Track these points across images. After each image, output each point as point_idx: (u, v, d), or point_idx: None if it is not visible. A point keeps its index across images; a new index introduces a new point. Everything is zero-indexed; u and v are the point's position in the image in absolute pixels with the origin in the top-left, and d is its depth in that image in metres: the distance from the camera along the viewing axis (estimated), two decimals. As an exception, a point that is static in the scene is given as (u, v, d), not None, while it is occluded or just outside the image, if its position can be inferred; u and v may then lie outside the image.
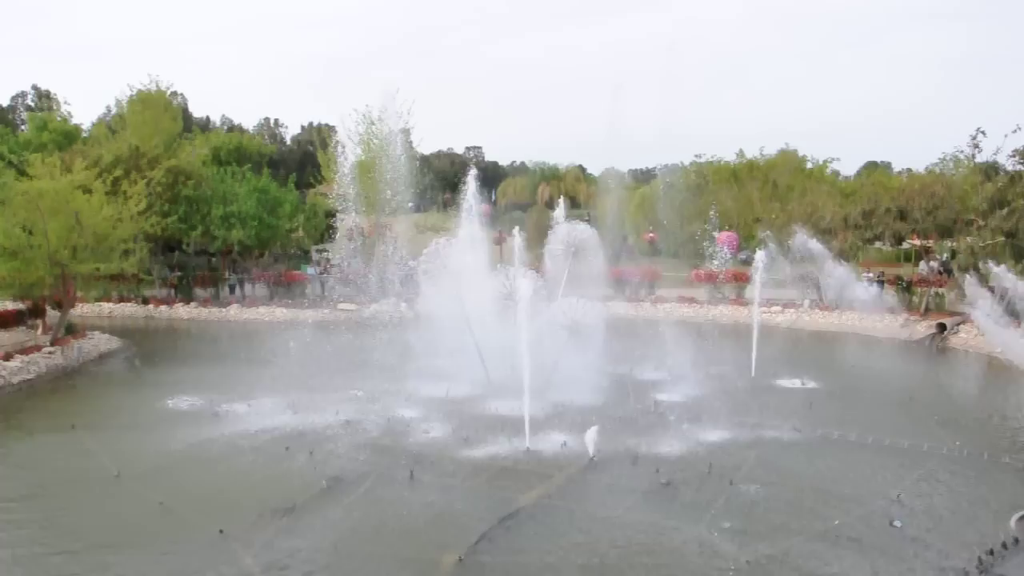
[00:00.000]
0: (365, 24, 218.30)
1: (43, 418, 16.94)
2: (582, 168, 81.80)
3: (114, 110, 58.31)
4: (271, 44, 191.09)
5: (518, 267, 17.57)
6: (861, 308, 26.99)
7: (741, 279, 34.07)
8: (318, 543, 9.81)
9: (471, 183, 22.39)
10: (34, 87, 69.29)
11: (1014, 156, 26.16)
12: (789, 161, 48.19)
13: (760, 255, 22.32)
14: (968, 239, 26.94)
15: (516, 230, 18.78)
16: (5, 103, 67.52)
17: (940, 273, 29.81)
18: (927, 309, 27.97)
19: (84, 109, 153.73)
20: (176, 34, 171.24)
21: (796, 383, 19.01)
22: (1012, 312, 22.00)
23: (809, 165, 50.14)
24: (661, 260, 44.44)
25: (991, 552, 9.20)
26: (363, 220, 39.89)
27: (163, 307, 33.73)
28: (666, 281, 36.21)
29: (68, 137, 44.99)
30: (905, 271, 33.70)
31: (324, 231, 40.84)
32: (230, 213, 34.52)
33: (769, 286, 27.82)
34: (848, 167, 68.83)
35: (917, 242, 33.16)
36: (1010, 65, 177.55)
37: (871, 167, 73.92)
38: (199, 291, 35.82)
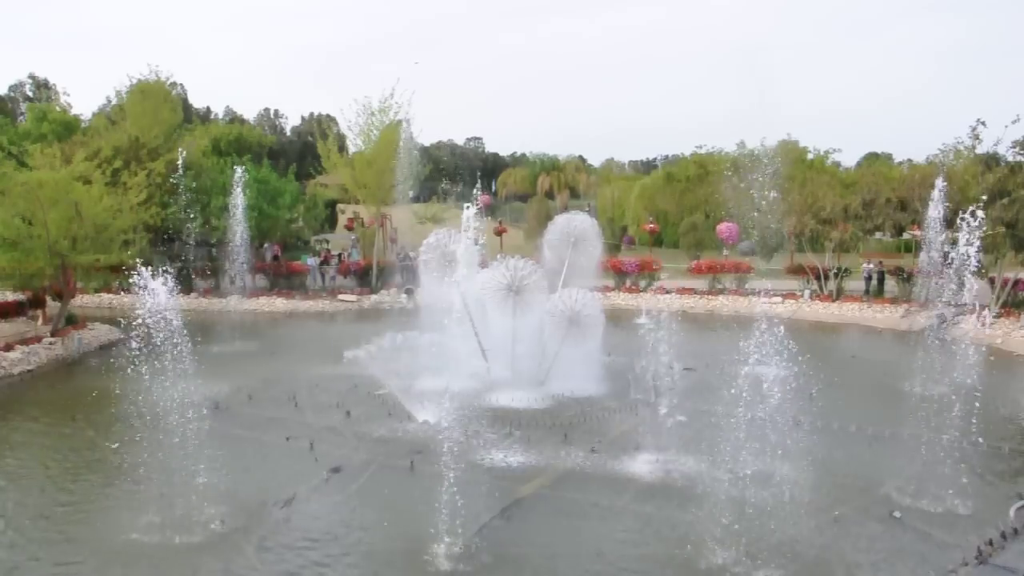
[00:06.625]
0: (366, 14, 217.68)
1: (44, 409, 16.94)
2: (582, 159, 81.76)
3: (114, 101, 58.09)
4: (272, 35, 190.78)
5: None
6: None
7: (741, 269, 34.08)
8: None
9: None
10: (32, 77, 68.88)
11: (1014, 147, 26.08)
12: (790, 152, 48.05)
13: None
14: (968, 230, 26.91)
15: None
16: (3, 93, 67.14)
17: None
18: (927, 300, 27.96)
19: (84, 100, 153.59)
20: (176, 24, 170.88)
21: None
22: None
23: (810, 156, 50.04)
24: (661, 251, 44.46)
25: (990, 542, 9.23)
26: (363, 210, 39.89)
27: (163, 298, 33.63)
28: (666, 272, 36.14)
29: (68, 128, 44.72)
30: (906, 262, 33.66)
31: (323, 221, 40.76)
32: (230, 203, 34.42)
33: (769, 276, 27.83)
34: (849, 158, 68.80)
35: (918, 232, 33.09)
36: (1010, 56, 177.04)
37: (872, 158, 73.81)
38: (199, 282, 35.76)
